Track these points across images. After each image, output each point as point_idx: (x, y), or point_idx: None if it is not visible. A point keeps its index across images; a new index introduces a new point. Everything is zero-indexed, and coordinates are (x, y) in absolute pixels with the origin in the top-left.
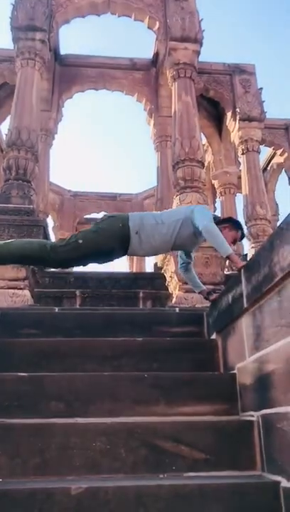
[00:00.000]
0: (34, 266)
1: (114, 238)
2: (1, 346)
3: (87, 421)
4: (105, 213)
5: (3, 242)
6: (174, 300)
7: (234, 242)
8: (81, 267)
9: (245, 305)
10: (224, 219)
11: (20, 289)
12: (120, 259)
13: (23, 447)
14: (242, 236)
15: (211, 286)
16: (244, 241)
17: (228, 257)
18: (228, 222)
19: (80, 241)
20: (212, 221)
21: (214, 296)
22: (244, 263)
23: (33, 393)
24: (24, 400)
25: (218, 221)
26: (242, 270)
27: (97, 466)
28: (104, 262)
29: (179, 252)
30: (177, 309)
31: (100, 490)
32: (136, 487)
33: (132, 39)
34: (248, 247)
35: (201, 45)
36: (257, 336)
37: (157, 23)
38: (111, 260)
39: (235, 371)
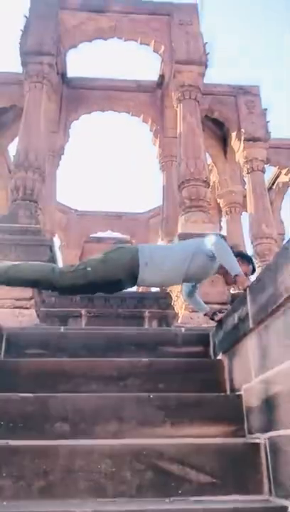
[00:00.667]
0: (40, 290)
1: (122, 269)
2: (6, 366)
3: (92, 443)
4: (116, 240)
5: (12, 263)
6: (180, 320)
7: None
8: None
9: (251, 325)
10: (234, 253)
11: (26, 308)
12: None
13: (27, 469)
14: (253, 270)
15: (218, 306)
16: None
17: (236, 276)
18: (238, 256)
19: (89, 268)
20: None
21: (219, 316)
22: (250, 283)
23: (38, 414)
24: (29, 421)
25: None
26: (248, 290)
27: (102, 490)
28: (111, 292)
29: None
30: (183, 329)
31: None
32: (141, 511)
33: (138, 61)
34: None
35: (206, 67)
36: (263, 356)
37: (162, 46)
38: (119, 290)
39: (241, 392)
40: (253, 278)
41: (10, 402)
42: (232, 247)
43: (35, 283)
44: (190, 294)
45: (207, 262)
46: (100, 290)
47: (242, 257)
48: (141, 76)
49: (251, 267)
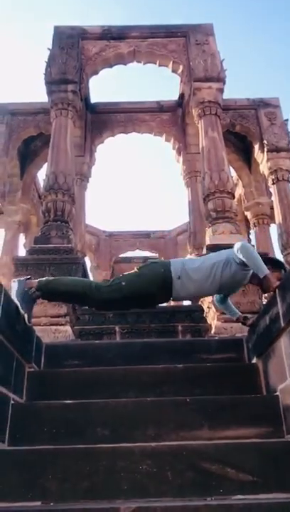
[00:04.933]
0: (78, 304)
1: (155, 283)
2: (46, 376)
3: (133, 445)
4: (148, 260)
5: (52, 278)
6: (213, 331)
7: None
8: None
9: (282, 324)
10: (264, 260)
11: (62, 325)
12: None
13: (71, 472)
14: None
15: (249, 315)
16: None
17: (265, 278)
18: (269, 264)
19: (123, 283)
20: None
21: (251, 320)
22: (279, 283)
23: (79, 420)
24: (70, 427)
25: None
26: (277, 290)
27: (145, 489)
28: (146, 307)
29: None
30: (216, 338)
31: (149, 510)
32: (184, 507)
33: (158, 82)
34: None
35: (224, 83)
36: None
37: (181, 66)
38: (153, 306)
39: (278, 393)
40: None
41: (52, 409)
42: (261, 254)
43: (73, 297)
44: (223, 301)
45: (238, 270)
46: (134, 305)
47: (273, 264)
48: (162, 96)
49: (283, 271)
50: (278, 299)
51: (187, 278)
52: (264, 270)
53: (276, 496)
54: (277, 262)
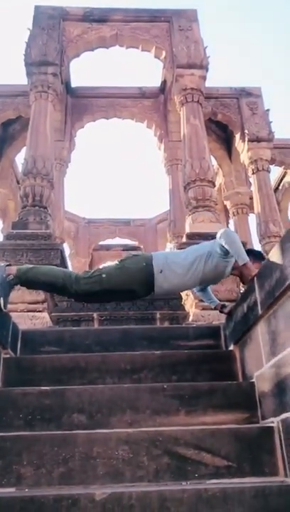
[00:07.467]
0: (56, 294)
1: (136, 277)
2: (23, 363)
3: (109, 431)
4: (130, 252)
5: (31, 265)
6: (191, 318)
7: None
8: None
9: (259, 312)
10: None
11: (40, 311)
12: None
13: (47, 458)
14: None
15: (227, 303)
16: None
17: (244, 266)
18: (250, 255)
19: (104, 275)
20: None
21: (228, 308)
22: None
23: (55, 406)
24: (47, 413)
25: None
26: (255, 278)
27: (121, 475)
28: (125, 301)
29: None
30: (193, 325)
31: (124, 495)
32: (159, 491)
33: (141, 68)
34: None
35: (207, 70)
36: (273, 341)
37: (163, 52)
38: (133, 300)
39: (254, 380)
40: None
41: (28, 395)
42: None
43: (52, 286)
44: (202, 289)
45: (220, 262)
46: (114, 298)
47: (253, 255)
48: (144, 82)
49: (263, 262)
50: (256, 286)
51: (169, 272)
52: (245, 258)
53: (250, 480)
54: (259, 253)
